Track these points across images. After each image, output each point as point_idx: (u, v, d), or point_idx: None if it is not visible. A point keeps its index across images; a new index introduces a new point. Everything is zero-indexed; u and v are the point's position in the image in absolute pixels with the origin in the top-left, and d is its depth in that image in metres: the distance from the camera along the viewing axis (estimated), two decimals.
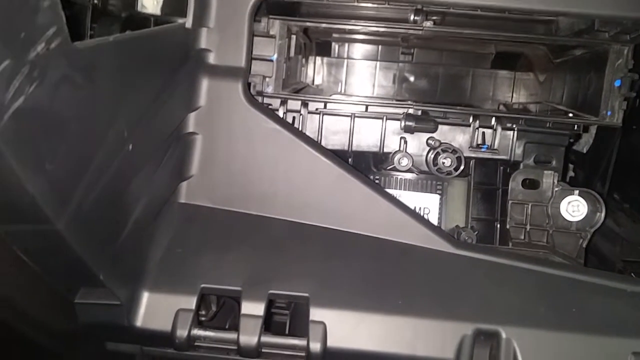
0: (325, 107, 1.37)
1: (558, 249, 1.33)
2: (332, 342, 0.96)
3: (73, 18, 0.63)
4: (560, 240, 1.35)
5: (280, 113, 1.32)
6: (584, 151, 1.58)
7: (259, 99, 1.28)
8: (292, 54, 1.39)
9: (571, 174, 1.65)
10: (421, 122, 1.35)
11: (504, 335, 0.97)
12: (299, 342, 0.96)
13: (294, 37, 1.38)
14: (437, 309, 1.00)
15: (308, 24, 1.38)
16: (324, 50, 1.90)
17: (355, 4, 1.29)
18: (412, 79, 1.92)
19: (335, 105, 1.39)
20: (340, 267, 1.07)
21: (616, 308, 1.04)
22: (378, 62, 1.91)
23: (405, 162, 1.39)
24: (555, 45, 1.53)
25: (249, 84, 1.22)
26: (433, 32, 1.32)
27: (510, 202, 1.38)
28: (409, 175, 1.47)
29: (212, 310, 1.08)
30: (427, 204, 1.47)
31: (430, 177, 1.46)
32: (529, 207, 1.37)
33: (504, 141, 1.38)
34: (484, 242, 1.42)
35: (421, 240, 1.13)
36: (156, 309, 0.97)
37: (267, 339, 0.95)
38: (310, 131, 1.36)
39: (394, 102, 1.61)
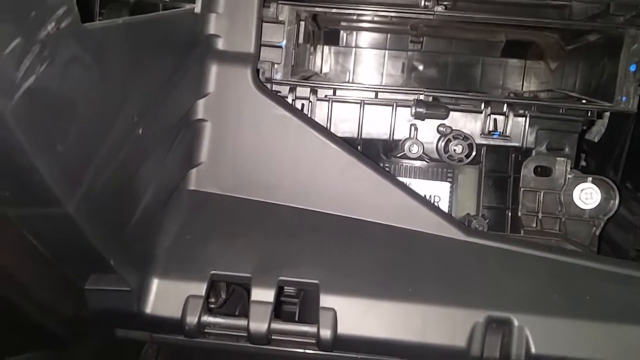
0: (334, 94, 1.36)
1: (570, 237, 1.32)
2: (342, 329, 0.96)
3: (82, 2, 0.62)
4: (572, 228, 1.33)
5: (289, 100, 1.31)
6: (596, 140, 1.56)
7: (268, 85, 1.27)
8: (300, 40, 1.38)
9: (583, 163, 1.63)
10: (432, 109, 1.34)
11: (516, 322, 0.96)
12: (310, 328, 0.96)
13: (302, 23, 1.37)
14: (448, 297, 1.00)
15: (317, 9, 1.36)
16: (332, 39, 1.89)
17: None
18: (421, 67, 1.90)
19: (344, 92, 1.37)
20: (350, 254, 1.07)
21: (630, 296, 1.03)
22: (387, 51, 1.89)
23: (415, 149, 1.38)
24: (568, 32, 1.50)
25: (257, 71, 1.21)
26: (444, 18, 1.30)
27: (522, 189, 1.36)
28: (419, 163, 1.46)
29: (221, 298, 1.08)
30: (438, 192, 1.45)
31: (440, 165, 1.45)
32: (541, 194, 1.35)
33: (516, 128, 1.37)
34: (495, 230, 1.41)
35: (432, 228, 1.12)
36: (166, 296, 0.97)
37: (278, 325, 0.95)
38: (319, 119, 1.35)
39: (405, 88, 1.59)
